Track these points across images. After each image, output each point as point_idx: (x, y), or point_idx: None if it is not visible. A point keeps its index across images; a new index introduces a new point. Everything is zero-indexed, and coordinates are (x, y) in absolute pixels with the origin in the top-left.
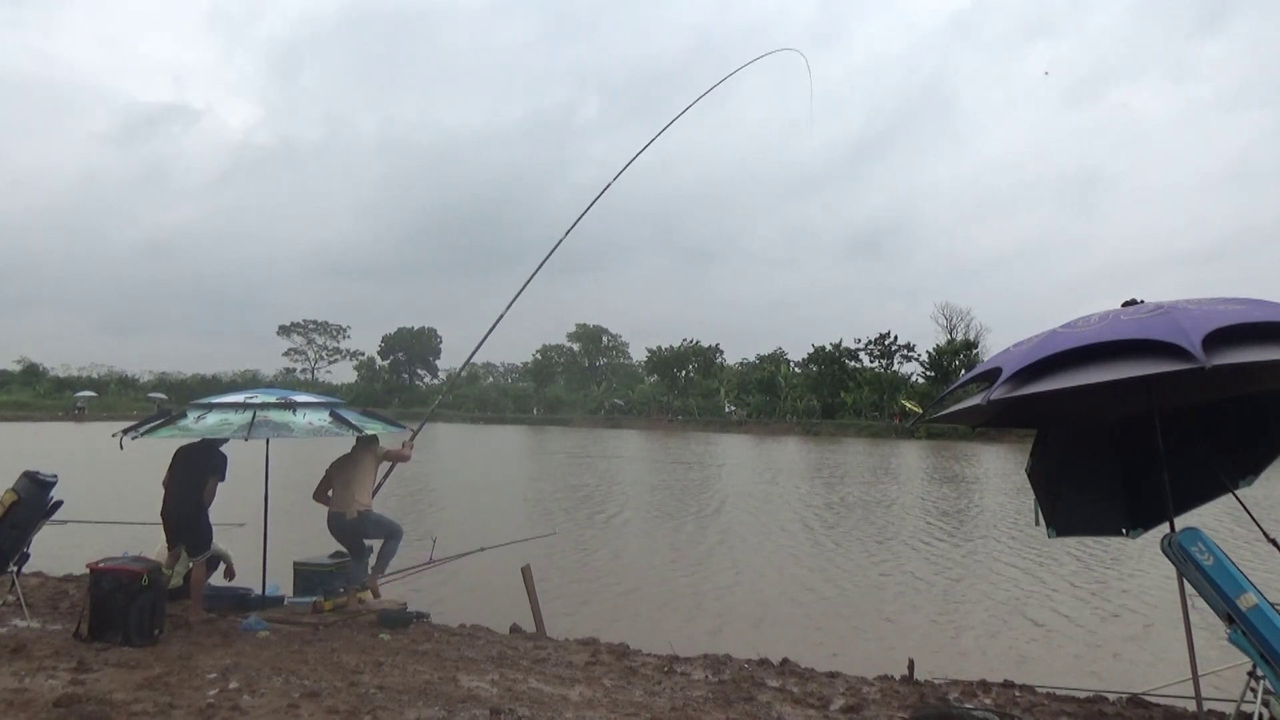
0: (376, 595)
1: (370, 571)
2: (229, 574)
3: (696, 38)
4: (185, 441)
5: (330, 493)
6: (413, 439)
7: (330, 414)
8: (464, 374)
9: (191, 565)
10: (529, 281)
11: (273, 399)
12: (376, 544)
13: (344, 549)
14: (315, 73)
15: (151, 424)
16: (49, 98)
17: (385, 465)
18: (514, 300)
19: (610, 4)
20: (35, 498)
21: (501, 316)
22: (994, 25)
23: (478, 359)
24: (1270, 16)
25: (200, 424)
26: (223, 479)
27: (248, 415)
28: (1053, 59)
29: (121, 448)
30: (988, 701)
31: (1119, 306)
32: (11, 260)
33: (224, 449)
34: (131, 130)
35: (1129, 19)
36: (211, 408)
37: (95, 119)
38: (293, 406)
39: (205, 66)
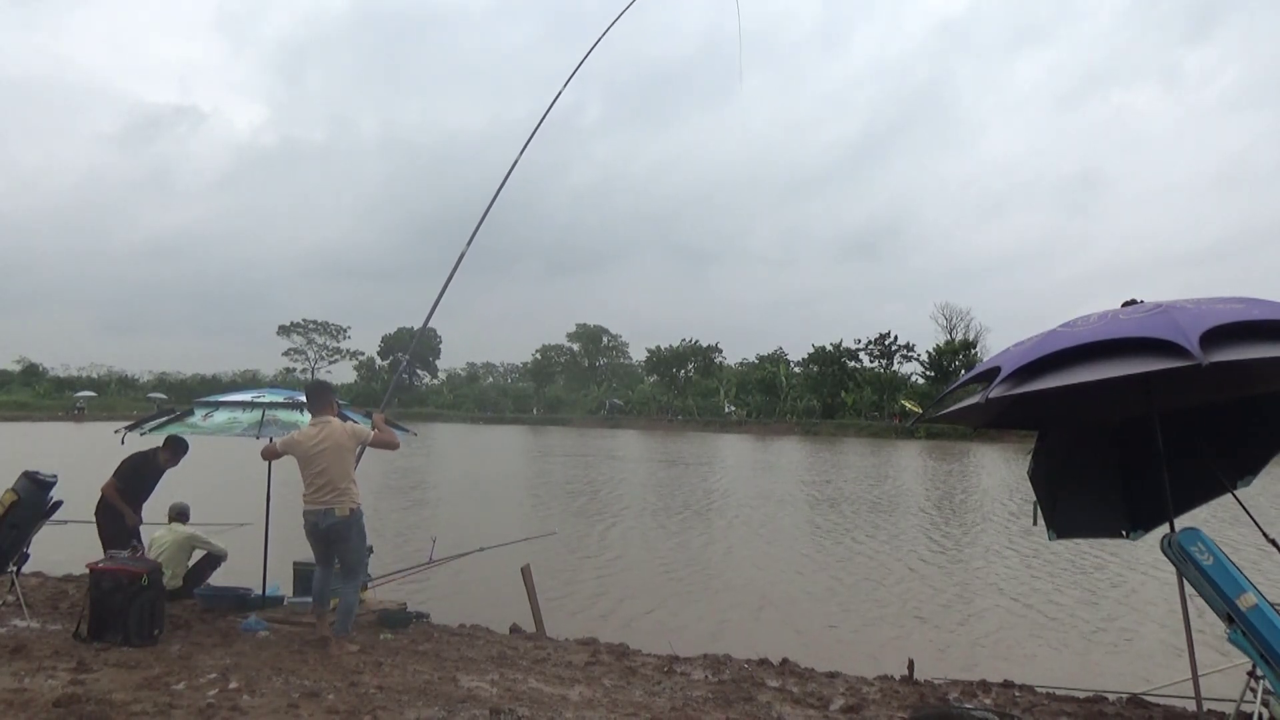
0: (341, 649)
1: (334, 628)
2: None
3: (700, 40)
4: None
5: (309, 484)
6: (383, 414)
7: (336, 414)
8: (431, 345)
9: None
10: (476, 231)
11: (280, 399)
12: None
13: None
14: (320, 74)
15: (157, 421)
16: (57, 99)
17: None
18: (464, 253)
19: (614, 6)
20: (35, 498)
21: (454, 273)
22: (987, 31)
23: (476, 359)
24: (1259, 20)
25: (209, 422)
26: (121, 480)
27: (256, 414)
28: (1050, 63)
29: (123, 443)
30: (988, 701)
31: (1118, 306)
32: (13, 260)
33: (230, 447)
34: (137, 131)
35: (1121, 25)
36: (219, 406)
37: (102, 120)
38: (300, 406)
39: (211, 68)
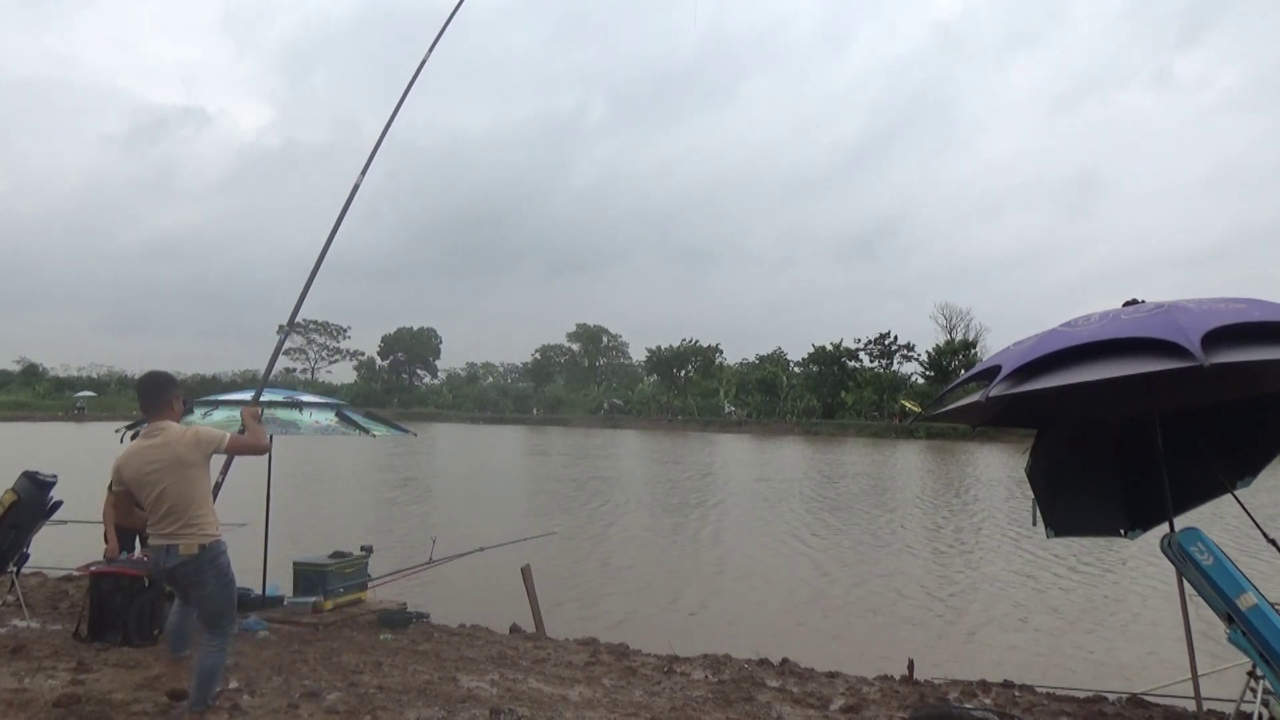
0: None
1: (190, 709)
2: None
3: (703, 41)
4: None
5: (149, 512)
6: (256, 406)
7: (336, 414)
8: (293, 330)
9: None
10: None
11: (279, 398)
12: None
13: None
14: (325, 75)
15: None
16: (63, 100)
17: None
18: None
19: (618, 7)
20: (35, 498)
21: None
22: (981, 34)
23: (476, 359)
24: (1251, 25)
25: (207, 421)
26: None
27: None
28: (1044, 66)
29: (122, 442)
30: (988, 701)
31: (1119, 306)
32: (14, 260)
33: None
34: (142, 132)
35: (1112, 29)
36: (218, 405)
37: (107, 121)
38: (299, 406)
39: (217, 69)
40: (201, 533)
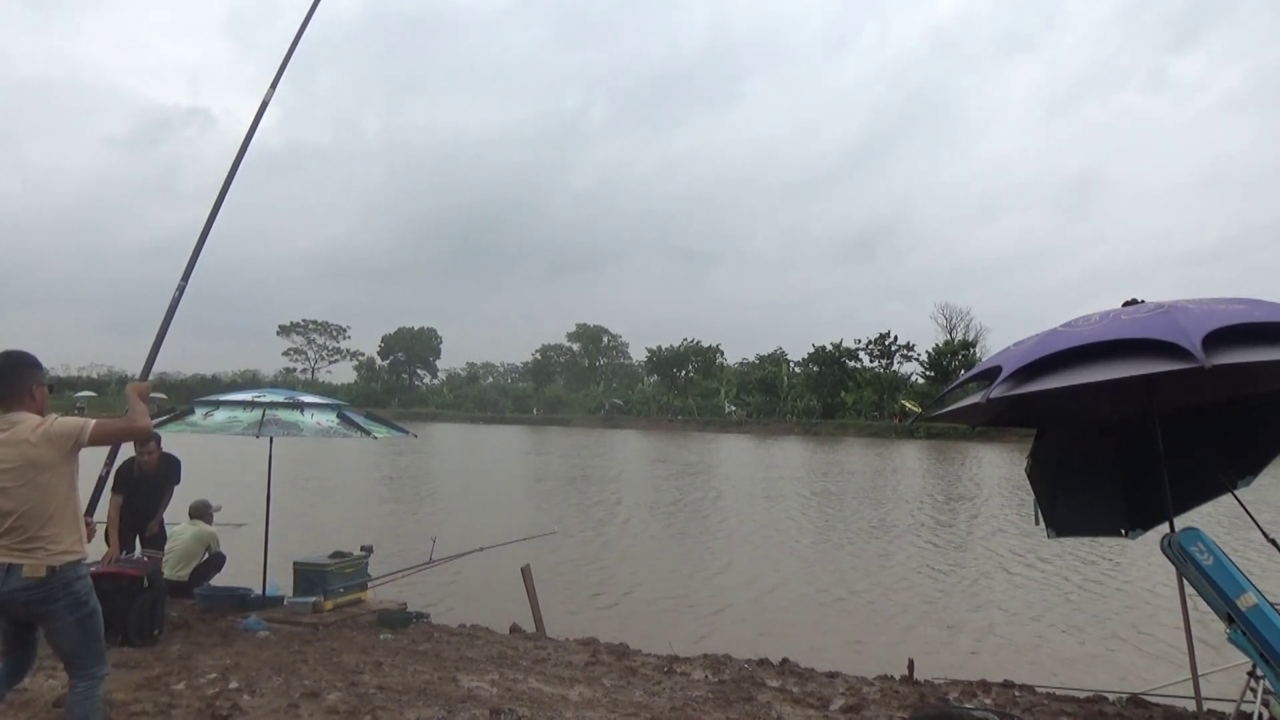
0: None
1: None
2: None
3: (706, 42)
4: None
5: None
6: (145, 377)
7: (338, 415)
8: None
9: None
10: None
11: (280, 398)
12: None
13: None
14: (328, 76)
15: (157, 420)
16: (69, 101)
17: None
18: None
19: (622, 8)
20: None
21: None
22: (978, 38)
23: (476, 359)
24: (1246, 28)
25: (209, 420)
26: (120, 494)
27: (256, 413)
28: (1041, 69)
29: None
30: (988, 701)
31: (1119, 306)
32: (15, 260)
33: (232, 445)
34: (146, 133)
35: (1107, 33)
36: (219, 405)
37: (111, 121)
38: (300, 406)
39: (221, 70)
40: (52, 550)
